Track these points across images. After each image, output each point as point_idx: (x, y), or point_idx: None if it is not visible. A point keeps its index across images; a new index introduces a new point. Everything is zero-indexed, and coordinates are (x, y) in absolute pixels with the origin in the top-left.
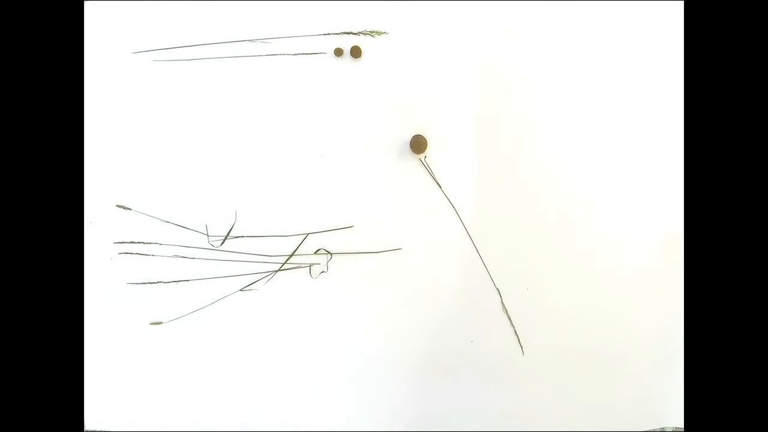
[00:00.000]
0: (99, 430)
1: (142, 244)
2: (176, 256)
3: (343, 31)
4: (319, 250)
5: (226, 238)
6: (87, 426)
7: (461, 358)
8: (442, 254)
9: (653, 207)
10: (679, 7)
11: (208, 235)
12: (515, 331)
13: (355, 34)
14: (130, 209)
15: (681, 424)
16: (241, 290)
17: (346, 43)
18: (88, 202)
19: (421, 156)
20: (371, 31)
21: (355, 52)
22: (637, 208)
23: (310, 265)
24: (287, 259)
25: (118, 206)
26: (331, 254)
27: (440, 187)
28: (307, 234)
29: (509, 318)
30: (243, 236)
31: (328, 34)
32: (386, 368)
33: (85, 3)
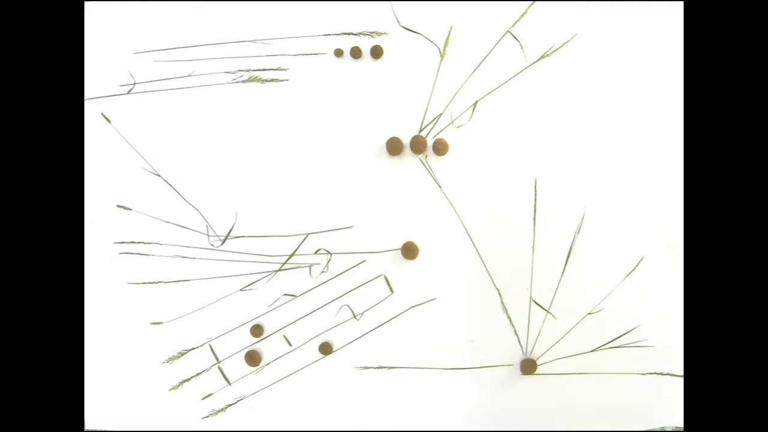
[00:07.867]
0: (99, 430)
1: (142, 244)
2: (176, 256)
3: (343, 31)
4: (319, 250)
5: (226, 238)
6: (87, 426)
7: (461, 358)
8: (442, 254)
9: (653, 207)
10: (679, 7)
11: (208, 236)
12: (515, 331)
13: (355, 34)
14: (130, 209)
15: (681, 424)
16: (241, 290)
17: (346, 44)
18: (88, 202)
19: (421, 156)
20: (371, 32)
21: (355, 52)
22: (637, 208)
23: (310, 265)
24: (287, 259)
25: (118, 206)
26: (331, 254)
27: (440, 187)
28: (307, 234)
29: (509, 318)
30: (243, 236)
31: (328, 34)
32: (385, 368)
33: (85, 3)
